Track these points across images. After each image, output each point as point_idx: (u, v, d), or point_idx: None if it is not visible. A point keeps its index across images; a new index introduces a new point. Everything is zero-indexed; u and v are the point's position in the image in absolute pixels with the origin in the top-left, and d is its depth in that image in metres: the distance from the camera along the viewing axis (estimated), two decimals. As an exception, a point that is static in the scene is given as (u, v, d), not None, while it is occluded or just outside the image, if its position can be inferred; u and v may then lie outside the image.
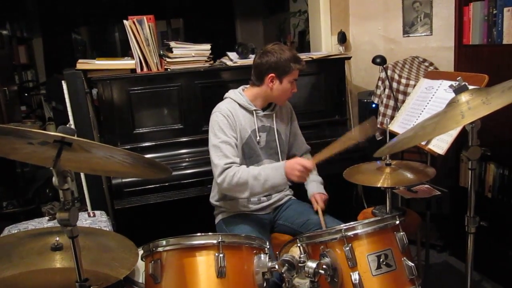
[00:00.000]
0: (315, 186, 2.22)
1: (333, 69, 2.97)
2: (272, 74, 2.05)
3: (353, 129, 1.97)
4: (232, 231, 2.05)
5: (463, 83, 1.49)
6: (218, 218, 2.21)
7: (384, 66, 2.81)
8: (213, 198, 2.22)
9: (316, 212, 2.10)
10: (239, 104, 2.11)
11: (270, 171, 1.94)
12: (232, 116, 2.07)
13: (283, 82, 2.06)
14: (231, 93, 2.16)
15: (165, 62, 2.65)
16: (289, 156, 2.28)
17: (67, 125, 1.19)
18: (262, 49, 2.10)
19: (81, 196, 2.62)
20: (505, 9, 2.27)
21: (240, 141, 2.08)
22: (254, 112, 2.12)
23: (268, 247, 1.56)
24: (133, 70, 2.63)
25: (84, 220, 2.12)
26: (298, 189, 2.30)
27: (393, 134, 2.26)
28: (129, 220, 2.44)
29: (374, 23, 3.31)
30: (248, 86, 2.17)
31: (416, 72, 2.89)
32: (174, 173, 2.41)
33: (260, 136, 2.13)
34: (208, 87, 2.69)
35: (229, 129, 2.03)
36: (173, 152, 2.64)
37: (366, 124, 2.00)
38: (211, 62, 2.75)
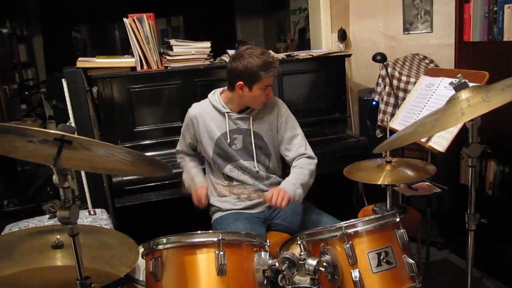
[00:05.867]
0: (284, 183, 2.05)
1: (333, 66, 2.96)
2: (241, 82, 1.97)
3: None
4: (226, 230, 2.01)
5: (464, 80, 1.49)
6: (213, 218, 2.19)
7: (385, 63, 2.80)
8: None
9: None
10: (213, 106, 2.10)
11: (192, 181, 2.17)
12: (197, 120, 2.11)
13: (253, 89, 1.98)
14: (211, 93, 2.16)
15: (165, 60, 2.65)
16: (282, 158, 2.22)
17: (67, 123, 1.19)
18: (236, 52, 2.03)
19: (81, 194, 2.62)
20: (506, 6, 2.26)
21: (209, 142, 2.12)
22: (226, 114, 2.09)
23: (268, 244, 1.56)
24: (133, 68, 2.63)
25: (84, 218, 2.12)
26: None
27: (393, 132, 2.26)
28: (130, 218, 2.44)
29: (375, 21, 3.31)
30: None
31: (417, 70, 2.89)
32: (174, 171, 2.41)
33: (235, 138, 2.10)
34: (208, 85, 2.68)
35: (187, 131, 2.19)
36: (173, 150, 2.62)
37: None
38: (211, 59, 2.74)
